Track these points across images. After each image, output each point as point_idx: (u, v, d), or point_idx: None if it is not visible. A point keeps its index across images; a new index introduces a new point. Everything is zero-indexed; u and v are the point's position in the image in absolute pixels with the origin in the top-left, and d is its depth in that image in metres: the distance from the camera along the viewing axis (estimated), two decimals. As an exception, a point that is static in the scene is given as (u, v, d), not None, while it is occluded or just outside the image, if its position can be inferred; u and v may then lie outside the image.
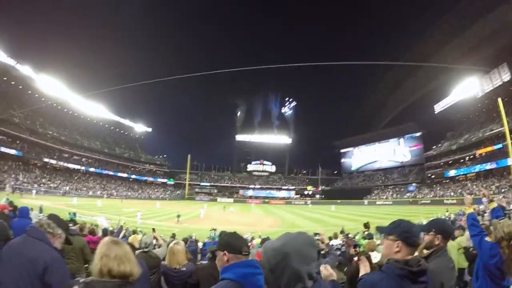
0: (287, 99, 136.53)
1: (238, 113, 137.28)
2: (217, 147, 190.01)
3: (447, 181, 74.18)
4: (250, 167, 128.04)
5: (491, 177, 61.83)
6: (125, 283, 2.00)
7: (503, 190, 49.85)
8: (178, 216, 37.31)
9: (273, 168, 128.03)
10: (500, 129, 56.14)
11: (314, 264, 1.68)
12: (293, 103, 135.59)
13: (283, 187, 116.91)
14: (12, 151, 64.36)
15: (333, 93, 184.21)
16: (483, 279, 3.54)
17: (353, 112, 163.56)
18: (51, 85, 73.65)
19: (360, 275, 2.62)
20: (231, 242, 2.18)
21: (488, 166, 62.20)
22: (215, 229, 23.92)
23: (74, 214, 24.68)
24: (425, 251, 3.19)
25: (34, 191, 53.11)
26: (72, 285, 1.96)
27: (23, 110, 55.99)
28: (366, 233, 12.78)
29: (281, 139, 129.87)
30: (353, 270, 3.29)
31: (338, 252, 8.55)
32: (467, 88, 69.37)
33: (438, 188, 73.44)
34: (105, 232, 9.17)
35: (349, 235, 17.09)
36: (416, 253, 3.62)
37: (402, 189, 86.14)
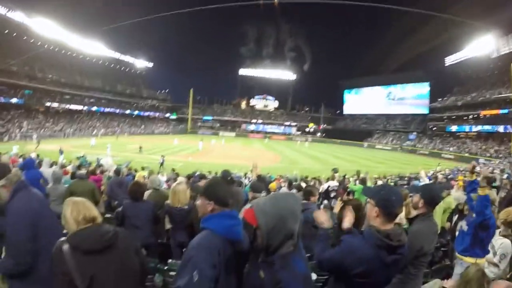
0: (294, 32, 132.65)
1: (242, 46, 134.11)
2: (220, 81, 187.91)
3: (448, 135, 73.18)
4: (253, 102, 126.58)
5: (491, 140, 61.30)
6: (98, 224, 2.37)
7: (500, 156, 50.28)
8: (140, 148, 39.47)
9: (275, 104, 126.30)
10: (509, 94, 55.26)
11: (291, 230, 1.82)
12: (300, 38, 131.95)
13: (285, 123, 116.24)
14: (14, 100, 64.59)
15: (343, 32, 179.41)
16: (469, 235, 3.97)
17: (362, 54, 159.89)
18: (46, 28, 71.35)
19: (342, 225, 2.70)
20: (220, 194, 2.15)
21: (490, 128, 61.42)
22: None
23: (84, 157, 25.15)
24: (413, 212, 3.51)
25: (34, 136, 53.22)
26: (60, 245, 2.16)
27: (20, 57, 54.77)
28: (357, 181, 12.71)
29: (285, 74, 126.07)
30: (341, 216, 3.55)
31: (333, 194, 8.96)
32: (482, 46, 66.01)
33: (438, 141, 72.86)
34: (118, 172, 9.54)
35: (346, 176, 17.55)
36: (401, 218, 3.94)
37: (403, 137, 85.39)
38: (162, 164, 27.53)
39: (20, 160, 13.25)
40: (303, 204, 4.76)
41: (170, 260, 3.96)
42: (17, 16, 66.51)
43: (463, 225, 4.29)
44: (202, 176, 12.84)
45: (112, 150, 35.76)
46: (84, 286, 2.06)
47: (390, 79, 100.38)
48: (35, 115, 67.94)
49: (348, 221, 2.69)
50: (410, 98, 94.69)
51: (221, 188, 2.22)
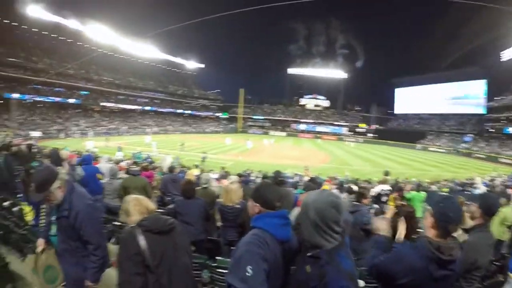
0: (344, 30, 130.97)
1: (292, 45, 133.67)
2: (271, 81, 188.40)
3: (506, 138, 67.43)
4: (303, 101, 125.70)
5: None
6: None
7: None
8: (182, 145, 39.90)
9: (326, 103, 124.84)
10: None
11: (333, 223, 1.87)
12: (350, 35, 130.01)
13: (336, 123, 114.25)
14: (71, 100, 69.50)
15: (394, 28, 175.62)
16: None
17: (414, 50, 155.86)
18: (100, 33, 75.17)
19: (396, 237, 2.67)
20: (267, 198, 2.19)
21: None
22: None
23: (139, 153, 26.07)
24: (469, 222, 3.38)
25: (90, 133, 57.13)
26: (132, 231, 2.50)
27: (76, 61, 58.30)
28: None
29: (335, 73, 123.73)
30: (394, 225, 3.46)
31: (385, 198, 8.74)
32: None
33: (495, 144, 67.35)
34: (171, 169, 9.81)
35: (398, 180, 17.11)
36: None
37: (457, 138, 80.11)
38: (203, 160, 28.12)
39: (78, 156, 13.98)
40: (354, 206, 4.71)
41: (218, 257, 4.05)
42: (72, 23, 70.94)
43: None
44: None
45: (160, 147, 36.90)
46: (156, 263, 2.42)
47: (444, 76, 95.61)
48: (91, 114, 72.53)
49: (400, 234, 2.67)
50: (466, 96, 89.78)
51: (268, 192, 2.24)
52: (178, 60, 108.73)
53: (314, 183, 6.02)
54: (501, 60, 74.24)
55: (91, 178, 7.37)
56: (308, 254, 1.90)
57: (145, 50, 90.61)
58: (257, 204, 2.19)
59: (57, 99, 66.49)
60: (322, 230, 1.85)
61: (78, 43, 77.41)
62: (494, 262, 5.00)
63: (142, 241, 2.42)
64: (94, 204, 3.22)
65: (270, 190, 2.27)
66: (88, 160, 8.13)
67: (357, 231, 4.42)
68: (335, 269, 1.78)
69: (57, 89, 68.13)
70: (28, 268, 3.36)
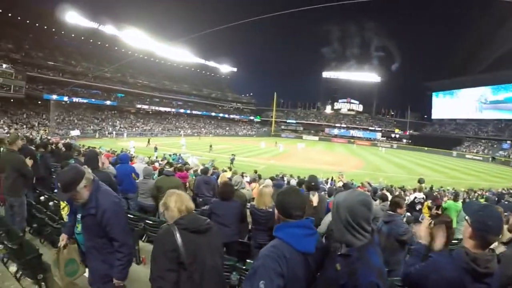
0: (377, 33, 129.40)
1: (325, 48, 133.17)
2: (304, 84, 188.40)
3: None
4: (336, 105, 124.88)
5: None
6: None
7: None
8: (210, 146, 40.89)
9: (360, 107, 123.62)
10: None
11: (364, 221, 1.86)
12: (385, 37, 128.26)
13: (370, 128, 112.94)
14: (108, 102, 72.23)
15: (429, 30, 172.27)
16: None
17: (451, 53, 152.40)
18: (135, 38, 77.63)
19: (434, 246, 2.61)
20: (284, 205, 2.16)
21: None
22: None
23: (175, 154, 26.52)
24: (508, 234, 3.25)
25: (125, 134, 59.72)
26: (169, 228, 2.58)
27: (113, 65, 60.23)
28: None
29: (370, 77, 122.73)
30: (431, 232, 3.35)
31: (419, 207, 8.58)
32: None
33: None
34: (205, 171, 9.91)
35: (433, 188, 16.74)
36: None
37: (495, 145, 77.59)
38: (232, 162, 28.44)
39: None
40: (388, 216, 4.62)
41: (248, 260, 4.12)
42: (108, 29, 73.96)
43: None
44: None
45: (190, 149, 37.40)
46: (190, 261, 2.49)
47: (482, 80, 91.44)
48: (126, 116, 75.08)
49: (439, 243, 2.61)
50: (504, 100, 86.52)
51: (288, 199, 2.18)
52: (211, 63, 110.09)
53: (346, 189, 5.94)
54: None
55: (126, 177, 7.58)
56: (339, 253, 1.91)
57: (180, 54, 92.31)
58: (279, 214, 2.18)
59: (94, 100, 69.09)
60: (354, 228, 1.84)
61: (114, 47, 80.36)
62: None
63: (178, 238, 2.50)
64: (120, 202, 3.28)
65: (291, 197, 2.20)
66: (124, 159, 8.36)
67: (391, 242, 4.33)
68: (365, 265, 1.78)
69: (94, 91, 71.05)
70: (51, 261, 3.50)
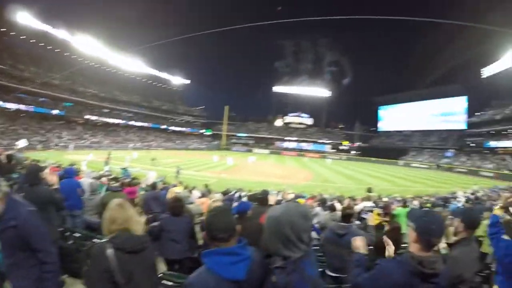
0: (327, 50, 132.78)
1: (277, 63, 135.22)
2: (255, 98, 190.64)
3: (487, 152, 70.18)
4: (287, 119, 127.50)
5: None
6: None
7: None
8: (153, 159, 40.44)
9: (310, 121, 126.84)
10: None
11: (304, 233, 1.85)
12: (334, 54, 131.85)
13: (319, 141, 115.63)
14: (55, 111, 68.69)
15: (375, 47, 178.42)
16: (501, 275, 3.62)
17: (397, 69, 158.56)
18: (87, 45, 75.24)
19: (388, 253, 2.72)
20: (209, 226, 2.04)
21: None
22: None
23: (126, 169, 25.74)
24: (453, 238, 3.38)
25: (71, 146, 56.37)
26: (103, 246, 2.48)
27: (63, 72, 57.94)
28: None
29: (319, 91, 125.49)
30: (378, 241, 3.44)
31: (367, 215, 8.75)
32: None
33: (476, 158, 69.69)
34: (154, 186, 9.66)
35: (381, 197, 17.15)
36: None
37: (439, 154, 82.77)
38: (177, 175, 28.23)
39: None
40: (343, 228, 4.63)
41: None
42: (61, 33, 70.25)
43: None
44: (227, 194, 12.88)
45: (134, 162, 36.71)
46: (125, 281, 2.41)
47: (426, 94, 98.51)
48: (74, 127, 71.59)
49: (390, 251, 2.72)
50: (447, 113, 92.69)
51: (213, 218, 2.08)
52: (163, 75, 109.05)
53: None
54: (481, 76, 76.75)
55: (71, 192, 7.18)
56: (275, 265, 1.87)
57: (132, 64, 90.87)
58: (207, 236, 2.07)
59: (41, 109, 65.80)
60: (291, 242, 1.81)
61: (65, 53, 76.64)
62: (480, 273, 5.04)
63: (112, 258, 2.42)
64: (35, 212, 3.10)
65: (216, 218, 2.08)
66: (70, 174, 7.92)
67: (348, 254, 4.38)
68: (300, 277, 1.78)
69: (41, 99, 67.52)
70: None
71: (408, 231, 2.33)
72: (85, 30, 72.87)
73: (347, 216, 4.80)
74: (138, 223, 2.74)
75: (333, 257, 4.49)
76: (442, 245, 3.67)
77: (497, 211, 4.23)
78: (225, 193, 13.14)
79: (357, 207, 9.98)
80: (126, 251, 2.49)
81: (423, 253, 2.18)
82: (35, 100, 65.82)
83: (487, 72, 75.11)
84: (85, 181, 8.83)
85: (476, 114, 79.89)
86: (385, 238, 2.89)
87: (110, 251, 2.43)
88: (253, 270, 1.95)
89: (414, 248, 2.22)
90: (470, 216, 3.24)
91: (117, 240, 2.51)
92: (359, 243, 2.75)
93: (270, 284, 1.87)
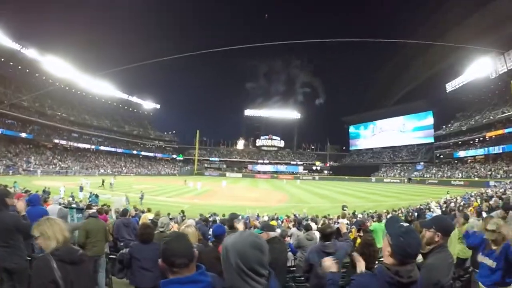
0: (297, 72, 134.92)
1: (247, 88, 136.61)
2: (226, 122, 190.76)
3: (456, 162, 74.00)
4: (259, 142, 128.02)
5: (500, 161, 61.84)
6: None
7: (511, 175, 49.92)
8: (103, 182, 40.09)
9: (281, 143, 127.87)
10: None
11: (257, 265, 1.70)
12: (303, 77, 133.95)
13: (292, 162, 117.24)
14: (23, 135, 66.17)
15: (343, 69, 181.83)
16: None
17: (364, 88, 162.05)
18: (58, 67, 73.71)
19: (358, 269, 2.71)
20: (167, 252, 1.90)
21: (498, 149, 61.78)
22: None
23: (97, 196, 25.15)
24: (426, 247, 3.38)
25: (39, 171, 54.88)
26: (46, 258, 2.61)
27: (32, 93, 56.56)
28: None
29: (290, 114, 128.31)
30: (352, 257, 3.42)
31: (338, 224, 8.77)
32: (480, 69, 67.16)
33: (446, 169, 73.06)
34: (125, 213, 9.41)
35: (356, 213, 17.28)
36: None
37: (410, 168, 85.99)
38: (141, 199, 28.24)
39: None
40: (329, 246, 4.54)
41: None
42: (31, 53, 68.41)
43: (486, 261, 4.14)
44: (205, 220, 12.73)
45: (93, 187, 36.08)
46: None
47: (393, 112, 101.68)
48: (43, 151, 69.22)
49: (361, 267, 2.72)
50: (415, 128, 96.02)
51: (170, 244, 1.94)
52: (134, 99, 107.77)
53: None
54: (446, 91, 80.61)
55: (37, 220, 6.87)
56: None
57: (102, 87, 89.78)
58: (164, 264, 1.90)
59: (9, 132, 63.61)
60: (246, 274, 1.68)
61: (35, 74, 74.35)
62: (460, 278, 5.07)
63: (56, 269, 2.56)
64: None
65: (174, 243, 1.96)
66: (35, 201, 7.52)
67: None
68: None
69: (9, 121, 65.44)
70: None
71: (384, 241, 2.28)
72: (55, 51, 71.57)
73: (329, 234, 4.75)
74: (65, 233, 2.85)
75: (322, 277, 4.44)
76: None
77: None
78: (205, 219, 12.95)
79: (334, 226, 9.99)
80: (68, 263, 2.66)
81: (397, 267, 2.12)
82: (3, 122, 63.86)
83: (450, 86, 79.10)
84: (54, 208, 8.46)
85: (443, 127, 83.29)
86: (354, 255, 2.89)
87: (54, 263, 2.57)
88: None
89: (388, 261, 2.18)
90: (441, 223, 3.24)
91: (59, 253, 2.66)
92: (329, 263, 2.74)
93: None
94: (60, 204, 11.46)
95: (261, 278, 1.72)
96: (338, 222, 11.15)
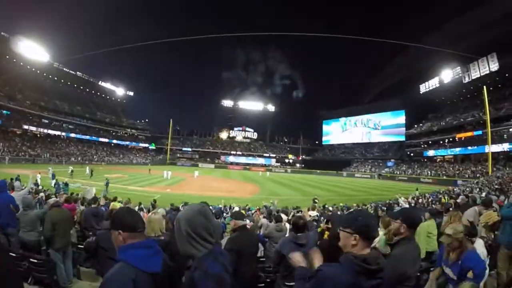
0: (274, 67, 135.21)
1: (222, 79, 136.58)
2: (200, 112, 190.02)
3: (425, 160, 76.79)
4: (232, 133, 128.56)
5: (467, 162, 64.38)
6: None
7: (477, 175, 51.39)
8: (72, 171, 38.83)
9: (255, 135, 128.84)
10: (482, 116, 57.46)
11: (203, 231, 1.98)
12: (279, 70, 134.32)
13: (264, 154, 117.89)
14: None
15: (320, 64, 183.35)
16: None
17: (340, 85, 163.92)
18: (28, 49, 71.67)
19: (315, 265, 2.70)
20: (125, 220, 2.12)
21: (466, 150, 64.43)
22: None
23: (66, 184, 24.67)
24: (394, 238, 3.42)
25: (7, 158, 53.48)
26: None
27: (1, 76, 54.42)
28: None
29: (264, 106, 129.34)
30: (322, 246, 3.43)
31: (315, 224, 8.82)
32: (454, 73, 69.98)
33: (416, 166, 75.51)
34: (95, 201, 9.26)
35: (326, 206, 17.46)
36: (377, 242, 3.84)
37: (381, 164, 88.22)
38: (107, 186, 27.93)
39: None
40: (302, 237, 4.56)
41: None
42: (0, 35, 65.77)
43: (449, 273, 4.17)
44: (177, 209, 12.67)
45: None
46: None
47: (367, 109, 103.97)
48: (11, 138, 66.79)
49: (318, 262, 2.72)
50: (387, 126, 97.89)
51: (125, 213, 2.20)
52: (107, 86, 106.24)
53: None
54: (420, 92, 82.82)
55: (4, 208, 6.60)
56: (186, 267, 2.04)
57: (74, 73, 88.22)
58: (119, 231, 2.09)
59: None
60: (194, 240, 1.95)
61: (5, 56, 71.65)
62: (428, 271, 5.18)
63: None
64: None
65: (128, 212, 2.24)
66: (2, 188, 7.26)
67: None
68: (203, 274, 1.88)
69: None
70: None
71: (341, 236, 2.33)
72: (26, 33, 69.59)
73: (302, 226, 4.76)
74: None
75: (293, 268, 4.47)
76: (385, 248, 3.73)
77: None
78: (176, 208, 12.94)
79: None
80: None
81: (364, 251, 2.19)
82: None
83: (424, 87, 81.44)
84: (16, 195, 8.12)
85: (414, 126, 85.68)
86: (310, 252, 2.89)
87: None
88: (165, 265, 2.11)
89: (354, 250, 2.21)
90: (409, 215, 3.30)
91: None
92: (298, 258, 2.73)
93: (180, 285, 2.04)
94: (29, 192, 11.17)
95: (207, 243, 1.99)
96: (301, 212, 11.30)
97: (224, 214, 15.29)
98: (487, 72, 61.16)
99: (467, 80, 67.20)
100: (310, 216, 9.50)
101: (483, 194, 17.16)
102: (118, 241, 2.08)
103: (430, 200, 19.73)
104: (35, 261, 5.38)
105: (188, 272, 1.96)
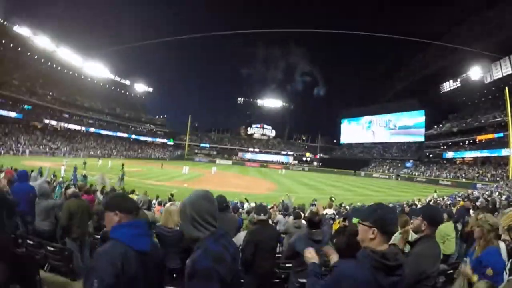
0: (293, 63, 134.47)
1: (242, 75, 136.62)
2: (218, 109, 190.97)
3: (444, 162, 74.70)
4: (250, 130, 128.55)
5: (488, 164, 62.77)
6: None
7: (497, 179, 50.59)
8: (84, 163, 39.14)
9: (273, 133, 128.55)
10: (503, 118, 55.87)
11: (206, 214, 2.07)
12: (299, 68, 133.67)
13: (282, 152, 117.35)
14: (13, 114, 65.19)
15: (339, 62, 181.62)
16: None
17: (359, 83, 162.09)
18: (49, 45, 73.15)
19: (332, 260, 2.77)
20: (122, 202, 2.30)
21: (487, 153, 62.97)
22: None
23: (85, 176, 24.96)
24: (414, 236, 3.36)
25: (27, 151, 54.57)
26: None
27: (23, 72, 55.40)
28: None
29: (282, 103, 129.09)
30: (339, 243, 3.39)
31: (330, 220, 8.77)
32: (476, 72, 68.07)
33: (435, 168, 73.72)
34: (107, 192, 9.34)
35: (343, 205, 17.34)
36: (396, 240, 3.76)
37: (399, 165, 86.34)
38: (122, 179, 28.49)
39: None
40: (318, 234, 4.50)
41: None
42: (23, 31, 68.00)
43: (467, 262, 3.97)
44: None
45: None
46: None
47: (386, 108, 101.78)
48: (32, 131, 68.14)
49: (335, 257, 2.80)
50: (406, 126, 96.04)
51: (122, 199, 2.39)
52: (127, 82, 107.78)
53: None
54: (440, 92, 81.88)
55: (24, 197, 6.64)
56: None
57: (94, 68, 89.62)
58: (115, 212, 2.23)
59: None
60: (199, 223, 2.03)
61: (27, 52, 73.28)
62: (445, 273, 5.06)
63: None
64: None
65: (125, 198, 2.45)
66: (22, 177, 7.32)
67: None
68: (202, 253, 1.93)
69: None
70: None
71: (360, 230, 2.27)
72: (47, 29, 71.21)
73: (318, 222, 4.71)
74: None
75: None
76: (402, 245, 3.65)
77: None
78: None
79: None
80: None
81: (383, 246, 2.12)
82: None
83: (445, 87, 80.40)
84: (34, 185, 8.19)
85: (434, 127, 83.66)
86: (325, 249, 2.98)
87: None
88: (154, 246, 2.30)
89: (372, 245, 2.14)
90: (430, 212, 3.25)
91: None
92: (311, 255, 2.72)
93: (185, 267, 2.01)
94: (48, 182, 11.32)
95: (211, 226, 2.07)
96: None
97: (240, 210, 15.27)
98: (510, 72, 59.88)
99: (488, 80, 65.89)
100: (326, 214, 9.46)
101: (503, 198, 16.85)
102: (113, 222, 2.21)
103: (449, 203, 19.41)
104: (52, 249, 5.43)
105: (191, 253, 2.00)
